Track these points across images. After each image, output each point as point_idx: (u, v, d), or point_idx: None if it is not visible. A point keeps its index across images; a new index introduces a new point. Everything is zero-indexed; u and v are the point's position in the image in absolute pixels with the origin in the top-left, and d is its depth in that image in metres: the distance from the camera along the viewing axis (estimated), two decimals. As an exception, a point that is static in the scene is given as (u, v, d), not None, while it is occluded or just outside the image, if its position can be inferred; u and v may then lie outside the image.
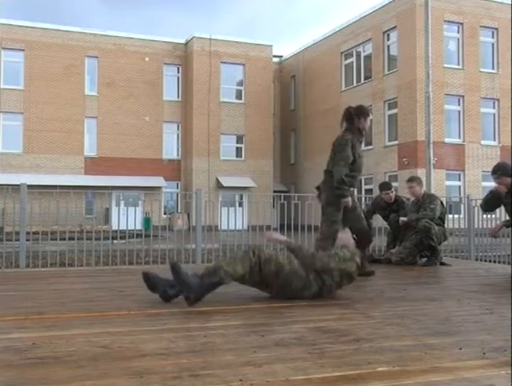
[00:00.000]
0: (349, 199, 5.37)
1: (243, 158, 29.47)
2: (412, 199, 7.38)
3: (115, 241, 8.57)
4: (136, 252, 8.07)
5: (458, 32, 24.28)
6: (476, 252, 8.40)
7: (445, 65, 23.62)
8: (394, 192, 7.46)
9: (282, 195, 8.55)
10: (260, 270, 3.80)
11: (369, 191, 23.45)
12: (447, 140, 23.47)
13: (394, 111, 24.70)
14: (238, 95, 30.00)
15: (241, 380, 2.04)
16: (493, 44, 24.74)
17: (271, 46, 31.00)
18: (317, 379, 2.08)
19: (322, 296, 3.95)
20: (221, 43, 29.63)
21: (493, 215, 7.52)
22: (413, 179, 7.23)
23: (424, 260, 7.08)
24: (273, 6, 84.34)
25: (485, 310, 3.64)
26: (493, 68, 24.66)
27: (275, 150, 31.47)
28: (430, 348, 2.55)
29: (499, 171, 5.79)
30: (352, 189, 5.54)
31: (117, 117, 28.72)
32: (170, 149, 30.24)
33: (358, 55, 27.22)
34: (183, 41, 30.33)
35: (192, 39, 29.69)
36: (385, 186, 7.49)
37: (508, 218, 6.09)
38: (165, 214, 25.35)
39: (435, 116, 19.52)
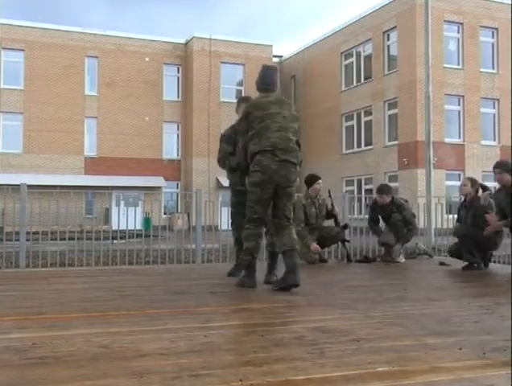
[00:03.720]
0: None
1: (243, 158, 29.39)
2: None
3: (115, 241, 8.57)
4: (136, 252, 8.06)
5: (458, 32, 24.28)
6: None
7: (445, 65, 23.62)
8: (384, 197, 7.45)
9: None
10: None
11: (368, 191, 23.45)
12: (447, 140, 23.47)
13: (394, 111, 24.70)
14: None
15: (241, 380, 2.04)
16: (493, 44, 24.74)
17: (271, 46, 31.01)
18: (317, 379, 2.08)
19: None
20: (221, 43, 29.64)
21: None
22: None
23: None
24: (273, 5, 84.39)
25: (485, 310, 3.64)
26: (493, 68, 24.66)
27: (275, 150, 31.47)
28: (430, 348, 2.55)
29: (503, 167, 5.98)
30: None
31: (117, 116, 28.73)
32: (170, 149, 30.26)
33: (358, 55, 27.22)
34: (183, 41, 30.35)
35: (191, 39, 29.71)
36: (379, 190, 7.58)
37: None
38: (165, 214, 25.34)
39: (435, 116, 19.49)
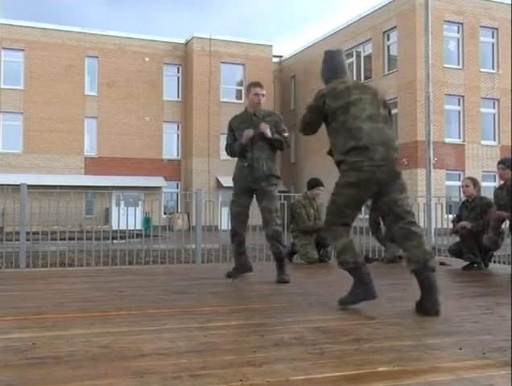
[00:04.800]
0: None
1: (243, 158, 29.40)
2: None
3: (115, 241, 8.58)
4: (136, 252, 8.07)
5: (458, 32, 24.28)
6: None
7: (445, 65, 23.61)
8: None
9: (283, 195, 8.53)
10: None
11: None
12: (447, 140, 23.47)
13: (394, 111, 24.69)
14: (238, 95, 29.99)
15: (241, 380, 2.04)
16: (493, 44, 24.74)
17: (271, 46, 31.01)
18: (317, 379, 2.08)
19: None
20: (221, 43, 29.64)
21: None
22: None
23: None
24: (273, 5, 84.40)
25: (485, 310, 3.64)
26: (493, 68, 24.65)
27: (275, 150, 31.47)
28: (430, 348, 2.55)
29: (506, 163, 6.08)
30: None
31: (117, 116, 28.73)
32: (170, 149, 30.26)
33: (358, 55, 27.22)
34: (183, 41, 30.36)
35: (191, 39, 29.71)
36: None
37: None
38: (165, 214, 25.34)
39: (435, 116, 19.51)
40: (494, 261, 7.28)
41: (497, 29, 24.46)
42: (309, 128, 4.08)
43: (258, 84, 5.33)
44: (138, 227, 11.22)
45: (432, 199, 11.11)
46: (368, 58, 26.51)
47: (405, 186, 3.76)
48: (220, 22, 79.78)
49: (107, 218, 22.90)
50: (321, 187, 7.60)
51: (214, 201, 8.82)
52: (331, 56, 4.09)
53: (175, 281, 5.50)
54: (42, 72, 27.70)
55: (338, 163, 3.77)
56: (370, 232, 7.79)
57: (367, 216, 7.94)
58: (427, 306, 3.46)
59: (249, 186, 5.26)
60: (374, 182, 3.60)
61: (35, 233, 7.74)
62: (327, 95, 3.81)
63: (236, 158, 5.51)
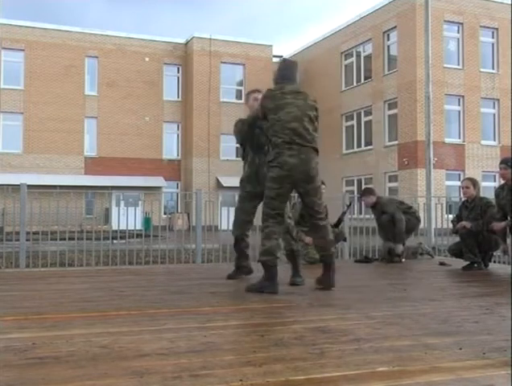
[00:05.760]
0: None
1: (243, 158, 29.40)
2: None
3: (115, 241, 8.58)
4: (136, 252, 8.07)
5: (458, 32, 24.28)
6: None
7: (445, 65, 23.61)
8: (370, 197, 7.47)
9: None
10: None
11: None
12: (447, 140, 23.47)
13: (394, 111, 24.69)
14: (238, 95, 29.99)
15: (241, 380, 2.04)
16: (493, 44, 24.74)
17: (271, 46, 31.02)
18: (317, 379, 2.08)
19: None
20: (221, 43, 29.65)
21: None
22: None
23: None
24: (273, 5, 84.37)
25: (485, 310, 3.64)
26: (493, 68, 24.65)
27: (275, 150, 31.47)
28: (430, 348, 2.55)
29: (508, 163, 6.10)
30: None
31: (117, 116, 28.73)
32: (170, 149, 30.26)
33: (358, 55, 27.22)
34: (183, 41, 30.36)
35: (191, 39, 29.72)
36: (362, 193, 7.75)
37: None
38: (165, 214, 25.34)
39: (435, 116, 19.51)
40: (494, 261, 7.28)
41: (497, 29, 24.46)
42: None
43: (256, 90, 5.40)
44: (138, 227, 11.24)
45: (432, 199, 11.12)
46: (368, 58, 26.51)
47: (319, 189, 4.56)
48: (220, 22, 79.70)
49: (107, 218, 22.90)
50: (322, 186, 7.56)
51: (214, 201, 8.82)
52: (284, 66, 4.74)
53: (175, 281, 5.50)
54: (42, 72, 27.70)
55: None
56: (377, 232, 7.77)
57: (367, 216, 7.95)
58: (324, 281, 4.44)
59: (256, 191, 5.24)
60: (291, 178, 4.35)
61: (35, 233, 7.74)
62: (264, 98, 4.54)
63: (240, 160, 5.58)
